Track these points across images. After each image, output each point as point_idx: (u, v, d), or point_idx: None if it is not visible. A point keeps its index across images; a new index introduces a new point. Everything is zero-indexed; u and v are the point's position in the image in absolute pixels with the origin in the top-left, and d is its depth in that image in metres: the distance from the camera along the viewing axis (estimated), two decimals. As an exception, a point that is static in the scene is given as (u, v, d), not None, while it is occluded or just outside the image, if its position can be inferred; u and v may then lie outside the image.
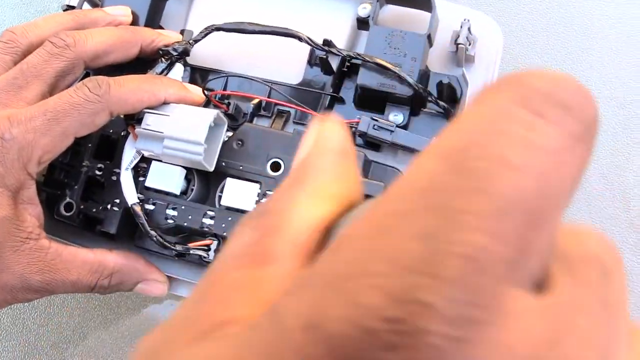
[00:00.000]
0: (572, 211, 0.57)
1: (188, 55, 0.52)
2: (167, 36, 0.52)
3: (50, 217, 0.50)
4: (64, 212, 0.51)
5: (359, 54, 0.49)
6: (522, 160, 0.15)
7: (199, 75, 0.54)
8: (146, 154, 0.49)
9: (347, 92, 0.52)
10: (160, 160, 0.49)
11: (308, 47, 0.51)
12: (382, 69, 0.48)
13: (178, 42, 0.51)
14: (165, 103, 0.48)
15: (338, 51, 0.50)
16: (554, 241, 0.16)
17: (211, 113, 0.47)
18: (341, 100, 0.51)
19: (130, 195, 0.49)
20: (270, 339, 0.15)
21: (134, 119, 0.49)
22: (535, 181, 0.15)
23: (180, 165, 0.48)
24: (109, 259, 0.48)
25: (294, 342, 0.14)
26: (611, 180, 0.57)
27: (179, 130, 0.46)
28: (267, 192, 0.47)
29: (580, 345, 0.15)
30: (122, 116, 0.49)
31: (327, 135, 0.20)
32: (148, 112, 0.47)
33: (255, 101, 0.51)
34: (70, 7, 0.54)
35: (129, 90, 0.46)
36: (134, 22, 0.53)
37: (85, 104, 0.45)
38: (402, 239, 0.14)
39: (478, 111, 0.16)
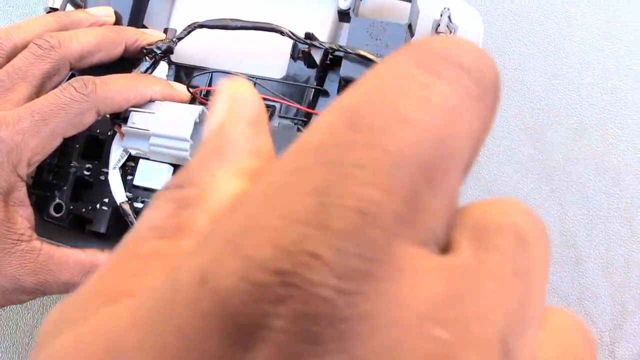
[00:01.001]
0: (561, 197, 0.58)
1: (172, 53, 0.52)
2: (150, 35, 0.52)
3: (40, 218, 0.50)
4: (53, 213, 0.51)
5: (341, 46, 0.49)
6: (416, 116, 0.15)
7: (183, 73, 0.54)
8: (133, 152, 0.49)
9: (331, 84, 0.52)
10: (148, 159, 0.49)
11: (291, 41, 0.51)
12: (364, 60, 0.48)
13: (162, 40, 0.52)
14: (151, 101, 0.48)
15: (320, 44, 0.50)
16: (455, 204, 0.16)
17: (196, 109, 0.47)
18: (325, 93, 0.52)
19: (119, 194, 0.49)
20: (164, 297, 0.15)
21: (120, 117, 0.49)
22: (430, 137, 0.15)
23: (167, 163, 0.49)
24: (101, 258, 0.48)
25: (186, 297, 0.14)
26: (600, 166, 0.58)
27: (165, 127, 0.47)
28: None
29: (486, 306, 0.14)
30: (107, 116, 0.49)
31: (241, 102, 0.20)
32: (134, 111, 0.48)
33: (241, 97, 0.51)
34: (53, 9, 0.55)
35: (115, 89, 0.47)
36: (117, 23, 0.54)
37: (72, 103, 0.45)
38: (296, 194, 0.14)
39: (377, 72, 0.16)
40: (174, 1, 0.57)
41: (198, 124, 0.47)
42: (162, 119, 0.47)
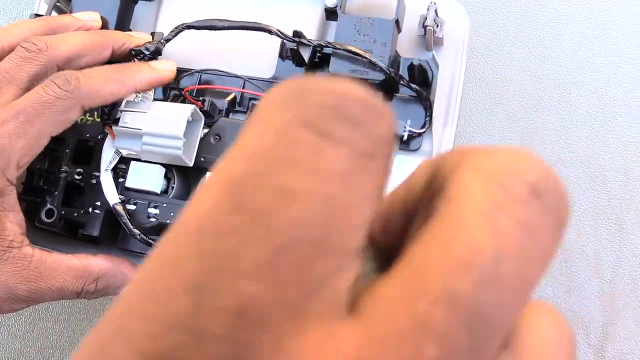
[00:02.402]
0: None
1: (160, 54, 0.52)
2: (138, 38, 0.52)
3: (32, 225, 0.50)
4: (45, 219, 0.50)
5: (329, 43, 0.49)
6: (304, 188, 0.14)
7: (172, 75, 0.54)
8: (125, 152, 0.49)
9: (320, 82, 0.52)
10: (139, 160, 0.49)
11: (279, 40, 0.51)
12: (353, 56, 0.48)
13: (150, 42, 0.52)
14: (137, 91, 0.48)
15: (308, 41, 0.50)
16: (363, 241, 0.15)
17: (188, 108, 0.47)
18: (315, 91, 0.52)
19: (112, 195, 0.49)
20: None
21: (110, 118, 0.49)
22: (320, 209, 0.14)
23: (159, 163, 0.48)
24: (94, 263, 0.48)
25: None
26: (589, 165, 0.58)
27: (157, 125, 0.46)
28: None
29: None
30: (98, 119, 0.49)
31: None
32: (125, 111, 0.48)
33: (230, 97, 0.52)
34: (38, 16, 0.55)
35: (98, 82, 0.46)
36: (104, 27, 0.54)
37: (57, 102, 0.45)
38: (170, 291, 0.13)
39: (262, 131, 0.15)
40: (160, 6, 0.57)
41: (190, 123, 0.47)
42: (154, 117, 0.47)
